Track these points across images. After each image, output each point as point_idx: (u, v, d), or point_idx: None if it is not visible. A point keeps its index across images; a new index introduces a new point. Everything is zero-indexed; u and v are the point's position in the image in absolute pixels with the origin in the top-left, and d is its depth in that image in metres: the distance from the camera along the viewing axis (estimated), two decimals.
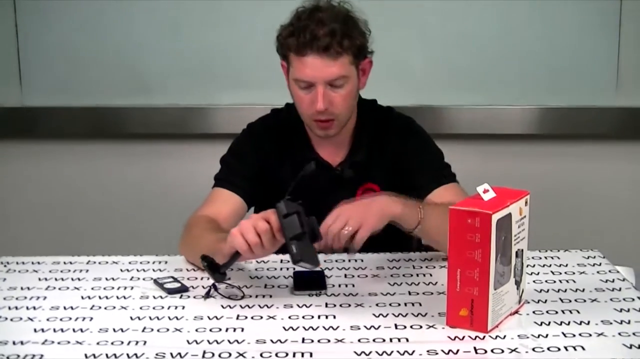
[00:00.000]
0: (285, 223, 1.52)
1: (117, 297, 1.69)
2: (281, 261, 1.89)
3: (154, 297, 1.68)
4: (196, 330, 1.52)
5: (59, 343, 1.47)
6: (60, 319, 1.58)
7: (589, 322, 1.55)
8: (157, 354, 1.42)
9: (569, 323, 1.55)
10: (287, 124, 2.00)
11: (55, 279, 1.80)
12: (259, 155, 1.98)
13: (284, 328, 1.52)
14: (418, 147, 1.98)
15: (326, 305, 1.62)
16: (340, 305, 1.62)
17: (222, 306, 1.62)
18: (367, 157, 1.97)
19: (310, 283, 1.69)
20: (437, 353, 1.40)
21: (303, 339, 1.47)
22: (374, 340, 1.46)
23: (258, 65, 2.67)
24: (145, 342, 1.47)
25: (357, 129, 1.99)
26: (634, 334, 1.49)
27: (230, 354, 1.41)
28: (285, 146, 1.99)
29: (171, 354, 1.42)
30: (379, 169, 1.97)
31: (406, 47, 2.77)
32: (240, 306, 1.62)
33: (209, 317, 1.58)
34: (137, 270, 1.85)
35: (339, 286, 1.73)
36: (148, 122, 2.82)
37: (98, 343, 1.47)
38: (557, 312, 1.60)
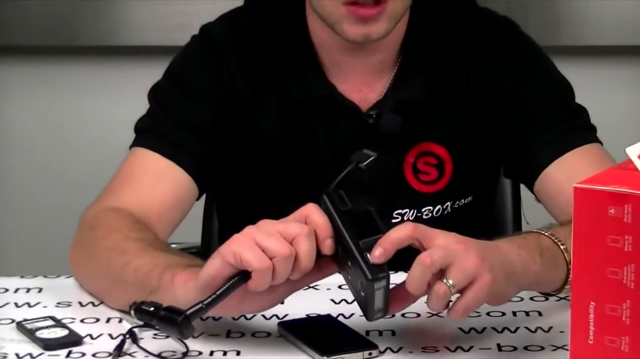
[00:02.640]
0: (347, 223, 1.38)
1: None
2: None
3: (18, 356, 1.47)
4: None
5: None
6: None
7: None
8: None
9: None
10: (277, 29, 1.82)
11: None
12: (224, 87, 1.80)
13: None
14: (526, 75, 1.81)
15: None
16: None
17: None
18: (425, 92, 1.79)
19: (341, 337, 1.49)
20: None
21: None
22: None
23: None
24: None
25: (408, 41, 1.81)
26: None
27: None
28: (275, 71, 1.81)
29: None
30: (448, 116, 1.81)
31: None
32: None
33: None
34: None
35: (380, 334, 1.50)
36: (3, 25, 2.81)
37: None
38: None
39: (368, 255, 1.37)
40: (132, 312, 1.43)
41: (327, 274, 1.40)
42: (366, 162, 1.50)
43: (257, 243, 1.38)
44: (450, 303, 1.38)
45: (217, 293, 1.39)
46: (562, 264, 1.50)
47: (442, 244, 1.37)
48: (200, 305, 1.38)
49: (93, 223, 1.67)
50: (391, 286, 1.39)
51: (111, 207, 1.69)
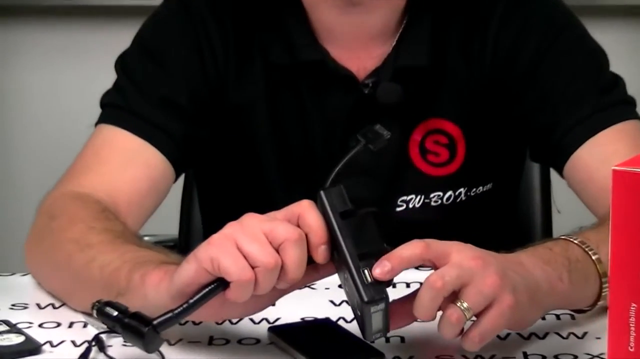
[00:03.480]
0: (346, 230, 1.32)
1: None
2: None
3: None
4: None
5: None
6: None
7: None
8: None
9: None
10: None
11: None
12: (204, 58, 1.77)
13: None
14: (551, 42, 1.75)
15: None
16: None
17: None
18: (429, 58, 1.75)
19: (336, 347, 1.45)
20: None
21: None
22: None
23: None
24: None
25: (411, 3, 1.76)
26: None
27: None
28: (259, 36, 1.78)
29: None
30: (460, 88, 1.77)
31: None
32: None
33: None
34: None
35: (387, 340, 1.47)
36: None
37: None
38: None
39: (366, 272, 1.31)
40: (94, 312, 1.38)
41: (323, 276, 1.35)
42: (377, 141, 1.43)
43: (239, 248, 1.32)
44: (465, 328, 1.33)
45: (190, 301, 1.34)
46: (594, 279, 1.45)
47: (456, 262, 1.31)
48: (169, 314, 1.33)
49: (52, 211, 1.61)
50: (395, 298, 1.34)
51: (74, 193, 1.64)
